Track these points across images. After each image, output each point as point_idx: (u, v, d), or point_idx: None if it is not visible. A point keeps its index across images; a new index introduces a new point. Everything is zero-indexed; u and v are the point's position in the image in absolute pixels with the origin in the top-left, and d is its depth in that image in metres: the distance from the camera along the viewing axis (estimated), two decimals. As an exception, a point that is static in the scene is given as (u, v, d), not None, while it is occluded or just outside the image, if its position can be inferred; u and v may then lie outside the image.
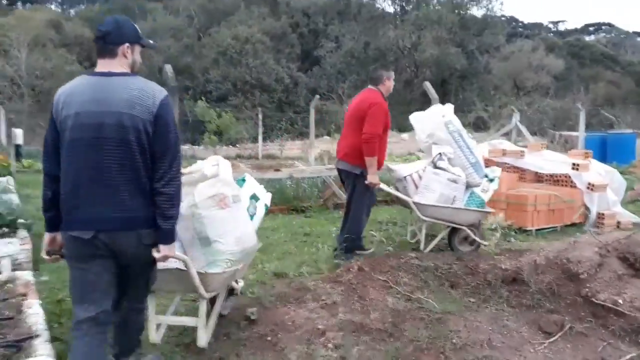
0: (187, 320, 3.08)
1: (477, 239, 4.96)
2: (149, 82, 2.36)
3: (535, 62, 34.47)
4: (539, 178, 7.34)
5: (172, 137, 2.32)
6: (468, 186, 5.01)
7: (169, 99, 2.34)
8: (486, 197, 5.06)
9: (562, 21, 71.18)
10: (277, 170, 7.08)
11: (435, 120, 5.09)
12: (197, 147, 18.81)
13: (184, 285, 2.77)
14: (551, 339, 3.21)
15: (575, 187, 6.79)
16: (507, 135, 17.30)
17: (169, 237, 2.35)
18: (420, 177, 4.96)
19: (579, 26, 64.89)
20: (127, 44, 2.34)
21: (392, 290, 3.88)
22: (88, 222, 2.23)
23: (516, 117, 16.27)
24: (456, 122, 5.12)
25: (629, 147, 12.41)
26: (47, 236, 2.43)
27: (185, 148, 16.27)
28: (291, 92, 30.14)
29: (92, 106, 2.21)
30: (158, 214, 2.30)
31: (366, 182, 4.42)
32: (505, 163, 7.78)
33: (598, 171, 7.10)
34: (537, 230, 6.25)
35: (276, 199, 7.57)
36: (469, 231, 4.93)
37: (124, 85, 2.26)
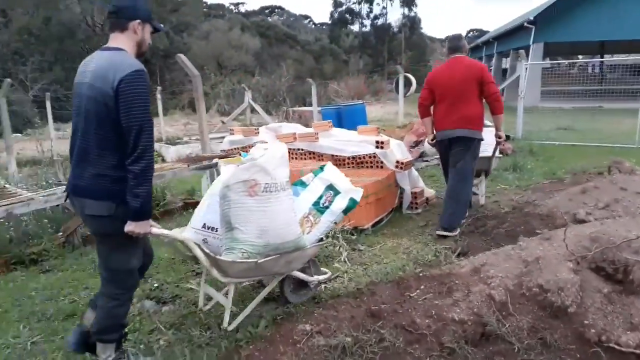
0: (220, 298, 2.94)
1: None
2: (127, 57, 2.30)
3: (233, 41, 34.56)
4: (336, 162, 6.20)
5: (136, 114, 2.20)
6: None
7: (137, 74, 2.22)
8: None
9: (242, 3, 74.41)
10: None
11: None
12: None
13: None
14: None
15: (383, 167, 5.90)
16: (242, 114, 16.22)
17: (137, 214, 2.26)
18: None
19: (256, 8, 69.13)
20: (138, 21, 2.37)
21: None
22: (68, 184, 2.42)
23: (249, 96, 15.28)
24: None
25: (362, 118, 12.79)
26: None
27: None
28: (-53, 80, 22.36)
29: (80, 78, 2.33)
30: (127, 190, 2.24)
31: (500, 139, 4.85)
32: (300, 149, 6.43)
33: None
34: (372, 226, 5.09)
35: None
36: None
37: (102, 58, 2.30)
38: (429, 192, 6.26)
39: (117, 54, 2.28)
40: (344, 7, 45.53)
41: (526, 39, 23.06)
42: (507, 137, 10.74)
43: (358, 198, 3.15)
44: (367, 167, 6.00)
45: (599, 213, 3.93)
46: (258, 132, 6.81)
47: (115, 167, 2.24)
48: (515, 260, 2.82)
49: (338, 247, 4.38)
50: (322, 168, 3.25)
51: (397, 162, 5.82)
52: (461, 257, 4.05)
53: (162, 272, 4.08)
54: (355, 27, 47.11)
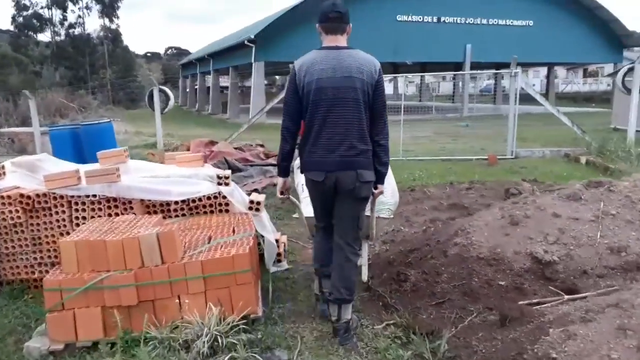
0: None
1: None
2: (366, 53, 2.77)
3: None
4: (154, 209, 4.08)
5: (385, 98, 2.80)
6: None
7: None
8: None
9: None
10: None
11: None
12: None
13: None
14: None
15: (229, 211, 4.13)
16: None
17: (383, 178, 2.89)
18: None
19: None
20: (350, 23, 2.80)
21: None
22: (321, 165, 2.76)
23: None
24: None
25: (110, 140, 9.89)
26: (280, 180, 3.02)
27: None
28: None
29: (330, 73, 2.69)
30: (376, 160, 2.80)
31: None
32: (90, 195, 3.92)
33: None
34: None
35: None
36: None
37: (352, 55, 2.73)
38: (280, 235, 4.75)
39: (359, 52, 2.77)
40: (29, 12, 37.92)
41: (247, 57, 23.24)
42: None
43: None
44: (204, 212, 4.11)
45: (556, 249, 3.25)
46: (4, 173, 3.95)
47: (369, 142, 2.77)
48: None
49: None
50: None
51: (252, 202, 4.13)
52: (429, 336, 2.82)
53: None
54: (47, 36, 39.94)
